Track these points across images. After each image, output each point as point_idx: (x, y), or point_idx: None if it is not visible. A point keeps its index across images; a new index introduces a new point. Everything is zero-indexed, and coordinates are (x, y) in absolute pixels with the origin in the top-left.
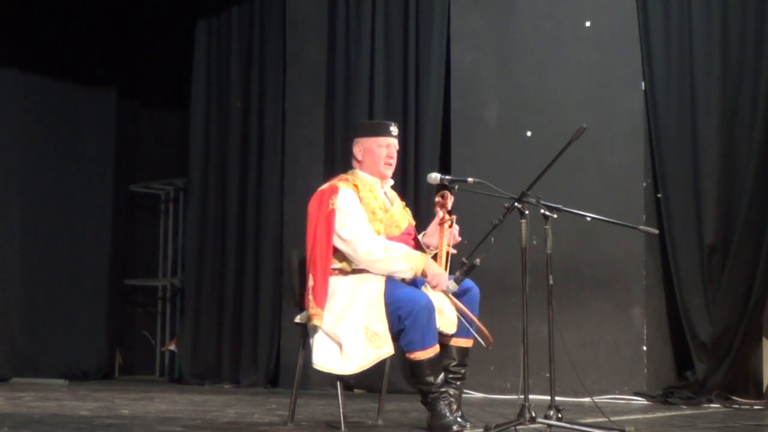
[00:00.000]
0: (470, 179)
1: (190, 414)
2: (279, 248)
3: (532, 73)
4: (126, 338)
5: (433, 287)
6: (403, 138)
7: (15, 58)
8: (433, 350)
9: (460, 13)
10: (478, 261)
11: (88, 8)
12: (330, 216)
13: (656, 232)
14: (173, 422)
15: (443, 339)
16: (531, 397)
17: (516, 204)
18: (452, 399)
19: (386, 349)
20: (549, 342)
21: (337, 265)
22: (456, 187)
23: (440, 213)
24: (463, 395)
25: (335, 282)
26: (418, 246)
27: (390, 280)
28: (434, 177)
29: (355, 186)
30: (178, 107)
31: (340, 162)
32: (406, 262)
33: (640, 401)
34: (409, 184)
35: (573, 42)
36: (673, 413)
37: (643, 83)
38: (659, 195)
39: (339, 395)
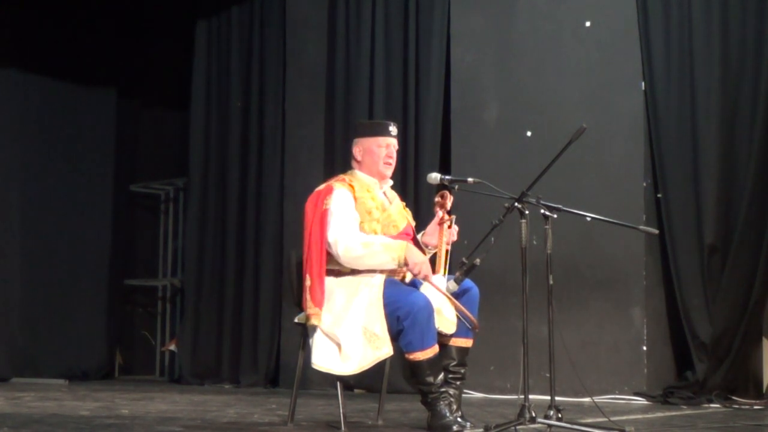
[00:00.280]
0: (470, 179)
1: (190, 414)
2: (279, 248)
3: (532, 73)
4: (126, 338)
5: (415, 275)
6: (403, 138)
7: (15, 58)
8: (433, 350)
9: (460, 13)
10: (478, 261)
11: (88, 8)
12: (323, 216)
13: (656, 232)
14: (173, 422)
15: (442, 339)
16: (531, 397)
17: (516, 204)
18: (452, 399)
19: (385, 349)
20: (549, 342)
21: (335, 265)
22: (456, 187)
23: (440, 213)
24: (463, 395)
25: (334, 282)
26: (417, 246)
27: (389, 281)
28: (434, 177)
29: (351, 186)
30: (178, 107)
31: (340, 162)
32: (387, 253)
33: (640, 401)
34: (409, 184)
35: (573, 42)
36: (673, 413)
37: (643, 83)
38: (659, 195)
39: (339, 395)
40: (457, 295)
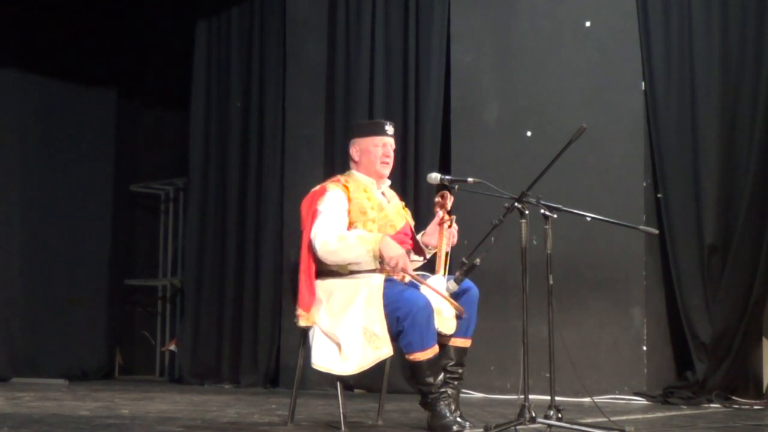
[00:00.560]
0: (470, 179)
1: (190, 414)
2: (279, 248)
3: (532, 73)
4: (126, 338)
5: (392, 269)
6: (403, 138)
7: (15, 58)
8: (432, 351)
9: (460, 13)
10: (478, 261)
11: (88, 8)
12: (313, 217)
13: (656, 232)
14: (173, 422)
15: (441, 339)
16: (531, 397)
17: (516, 204)
18: (450, 399)
19: (385, 350)
20: (549, 342)
21: (333, 266)
22: (456, 187)
23: (440, 213)
24: (463, 395)
25: (334, 282)
26: (417, 246)
27: (389, 281)
28: (434, 177)
29: (346, 186)
30: (178, 107)
31: (340, 162)
32: (362, 246)
33: (640, 401)
34: (409, 184)
35: (573, 42)
36: (673, 413)
37: (643, 83)
38: (659, 195)
39: (339, 395)
40: (457, 295)
